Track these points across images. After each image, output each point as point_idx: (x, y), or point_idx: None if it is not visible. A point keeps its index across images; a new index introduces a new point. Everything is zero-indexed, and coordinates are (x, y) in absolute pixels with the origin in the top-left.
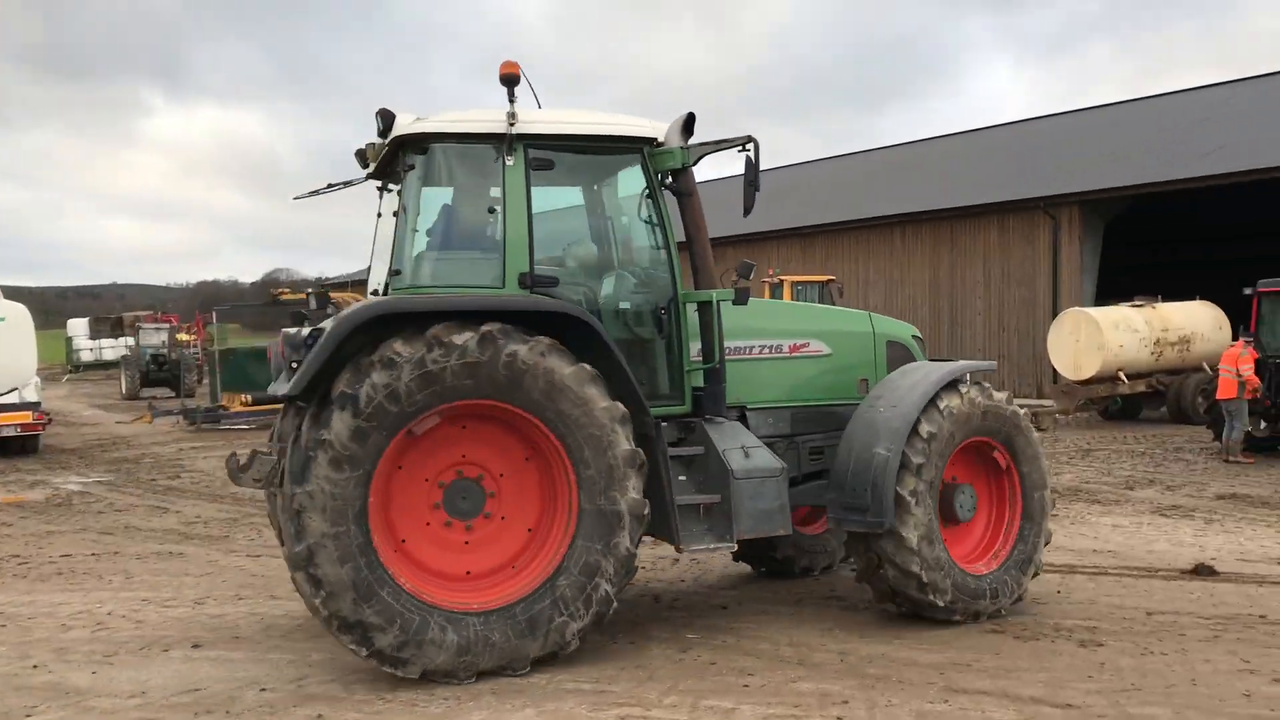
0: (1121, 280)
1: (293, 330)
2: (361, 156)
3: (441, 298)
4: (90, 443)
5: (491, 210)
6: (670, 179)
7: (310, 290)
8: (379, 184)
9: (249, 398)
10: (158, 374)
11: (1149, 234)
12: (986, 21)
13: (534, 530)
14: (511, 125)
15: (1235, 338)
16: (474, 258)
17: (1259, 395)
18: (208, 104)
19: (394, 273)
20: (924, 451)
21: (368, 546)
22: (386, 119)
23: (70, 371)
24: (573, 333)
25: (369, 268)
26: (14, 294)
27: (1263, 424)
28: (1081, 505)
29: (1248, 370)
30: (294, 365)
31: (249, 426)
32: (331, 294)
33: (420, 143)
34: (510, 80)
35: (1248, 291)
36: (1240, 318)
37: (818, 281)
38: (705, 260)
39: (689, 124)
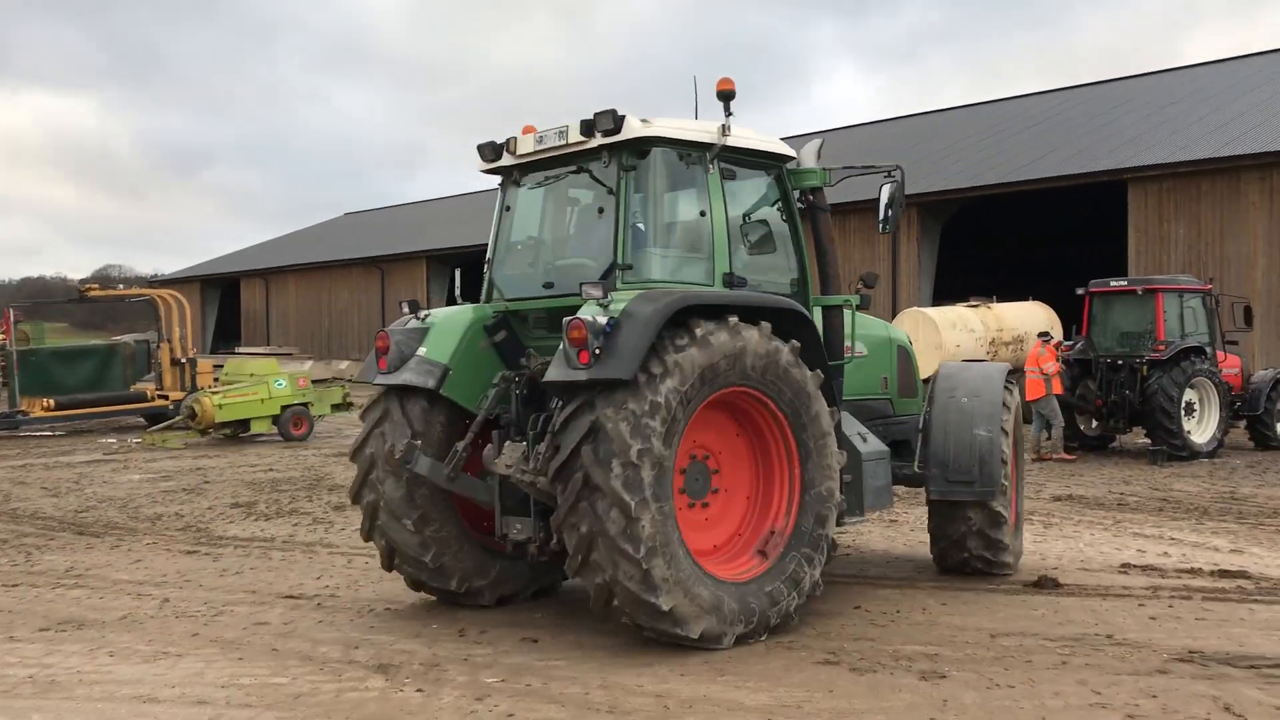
0: (958, 281)
1: (408, 322)
2: (495, 149)
3: (727, 294)
4: None
5: (701, 214)
6: (810, 196)
7: (403, 301)
8: (515, 177)
9: (51, 402)
10: None
11: (984, 236)
12: (834, 28)
13: (750, 499)
14: (724, 137)
15: (1068, 337)
16: (686, 256)
17: (1059, 391)
18: (34, 90)
19: (625, 266)
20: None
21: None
22: (616, 120)
23: None
24: (786, 328)
25: (491, 256)
26: None
27: (1094, 423)
28: (921, 511)
29: (1051, 368)
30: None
31: (53, 433)
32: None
33: (643, 145)
34: (727, 96)
35: (1080, 292)
36: (1072, 318)
37: None
38: (835, 268)
39: (820, 149)
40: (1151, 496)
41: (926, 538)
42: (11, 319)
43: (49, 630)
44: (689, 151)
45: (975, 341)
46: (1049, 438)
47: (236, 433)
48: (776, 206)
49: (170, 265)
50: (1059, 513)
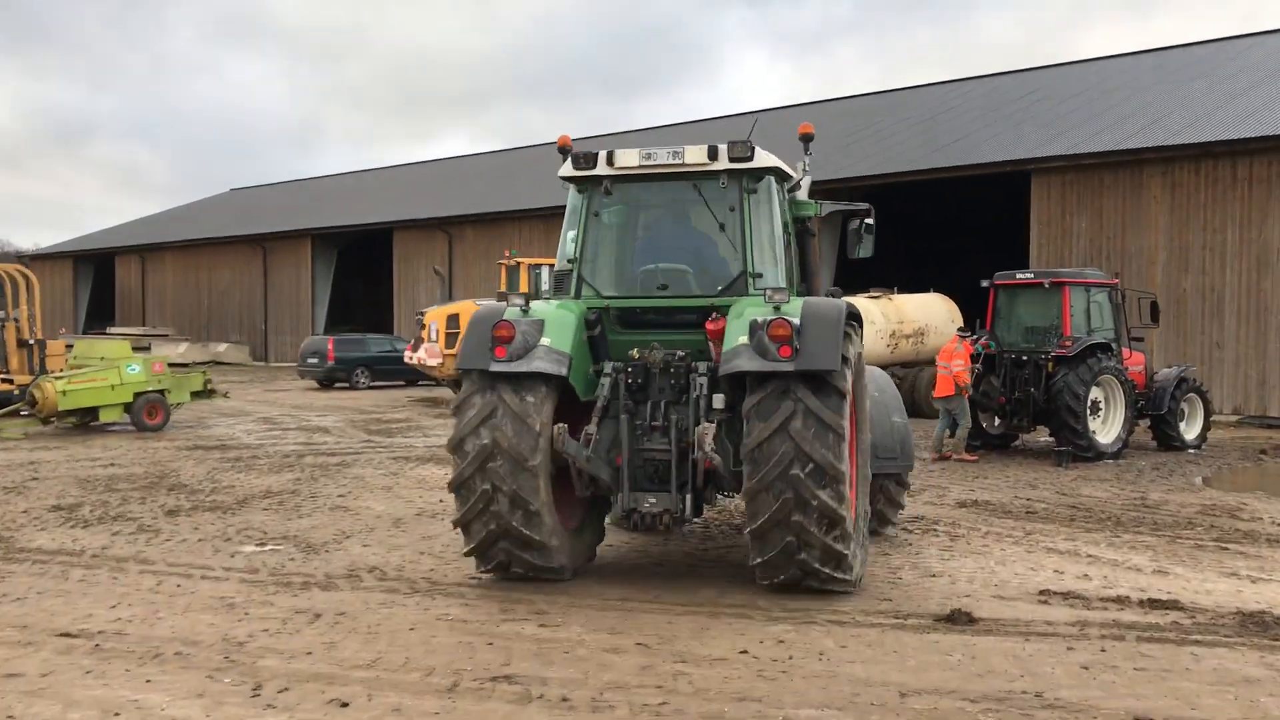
0: (855, 271)
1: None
2: (590, 159)
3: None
4: None
5: (783, 230)
6: (804, 223)
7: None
8: (605, 187)
9: None
10: None
11: (885, 226)
12: (741, 15)
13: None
14: (805, 173)
15: (971, 330)
16: (775, 267)
17: (968, 393)
18: None
19: (756, 274)
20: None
21: None
22: (749, 149)
23: None
24: None
25: (578, 256)
26: None
27: (997, 420)
28: None
29: (959, 366)
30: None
31: None
32: None
33: (763, 173)
34: (808, 138)
35: (985, 284)
36: (973, 310)
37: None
38: (818, 280)
39: (810, 183)
40: (1060, 503)
41: None
42: None
43: None
44: (783, 180)
45: (876, 334)
46: (951, 436)
47: (85, 421)
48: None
49: (51, 240)
50: (965, 521)
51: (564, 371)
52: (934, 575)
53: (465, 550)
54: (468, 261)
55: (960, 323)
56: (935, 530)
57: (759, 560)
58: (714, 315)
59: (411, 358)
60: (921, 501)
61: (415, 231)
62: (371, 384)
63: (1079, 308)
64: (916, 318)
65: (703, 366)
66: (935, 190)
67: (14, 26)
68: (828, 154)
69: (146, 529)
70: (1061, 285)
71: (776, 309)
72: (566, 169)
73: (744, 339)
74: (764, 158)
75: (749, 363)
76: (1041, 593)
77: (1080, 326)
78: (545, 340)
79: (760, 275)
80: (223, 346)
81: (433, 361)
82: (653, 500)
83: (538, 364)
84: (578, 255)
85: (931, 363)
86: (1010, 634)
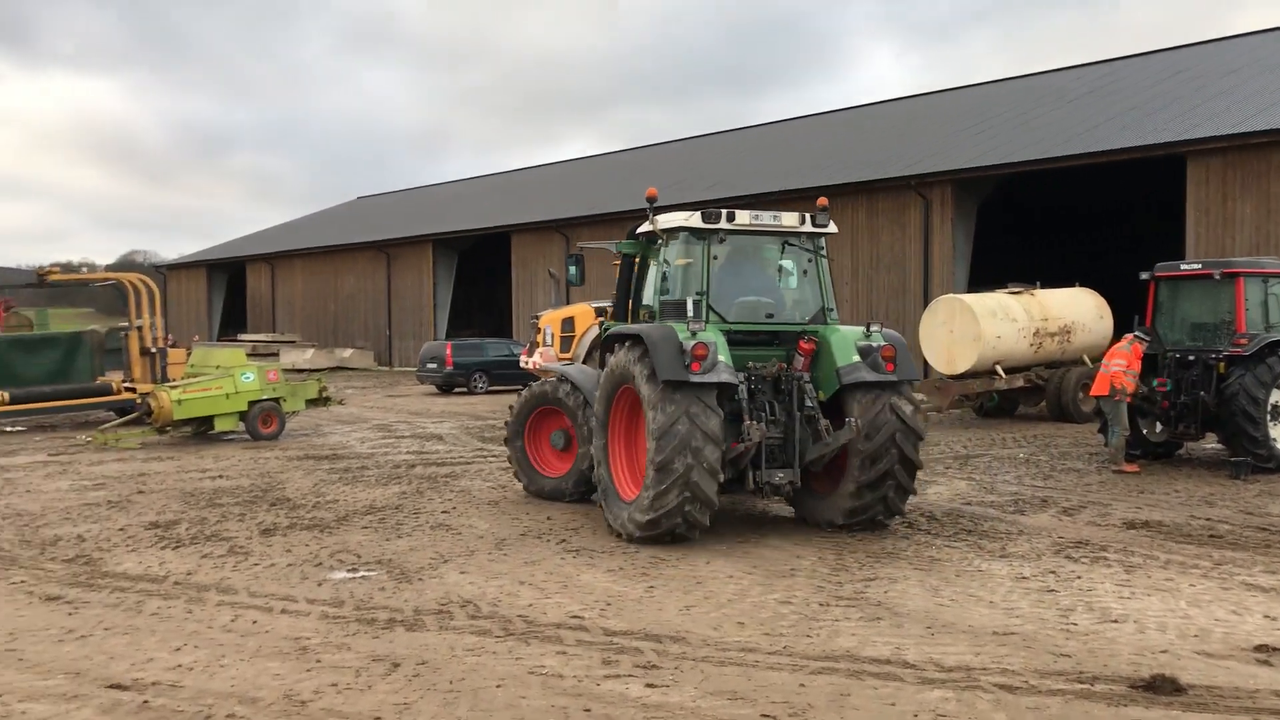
0: (993, 265)
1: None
2: (717, 216)
3: None
4: None
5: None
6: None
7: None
8: (720, 236)
9: (6, 395)
10: None
11: (1020, 217)
12: (869, 7)
13: None
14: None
15: (1127, 329)
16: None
17: (1125, 398)
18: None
19: (830, 309)
20: None
21: None
22: (826, 219)
23: None
24: None
25: (705, 290)
26: None
27: (1159, 427)
28: (966, 544)
29: (1117, 366)
30: None
31: (14, 428)
32: None
33: (827, 234)
34: (824, 209)
35: (1144, 277)
36: (1123, 306)
37: None
38: None
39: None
40: (1247, 524)
41: (975, 587)
42: (3, 305)
43: None
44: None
45: (1018, 333)
46: (1107, 444)
47: (201, 430)
48: None
49: (193, 249)
50: (1138, 547)
51: (737, 381)
52: (1115, 621)
53: (647, 519)
54: (585, 263)
55: (1109, 319)
56: (1105, 558)
57: (855, 505)
58: (806, 338)
59: (527, 362)
60: (1083, 521)
61: (532, 234)
62: (489, 389)
63: (1255, 301)
64: (1062, 314)
65: (806, 376)
66: (1079, 178)
67: (159, 44)
68: (960, 143)
69: (237, 551)
70: (1235, 276)
71: (876, 337)
72: (695, 220)
73: (857, 358)
74: (832, 226)
75: (868, 375)
76: (1258, 648)
77: (1256, 322)
78: (721, 357)
79: (832, 310)
80: (348, 352)
81: (549, 366)
82: (781, 474)
83: (724, 376)
84: (704, 288)
85: (1078, 362)
86: (1233, 710)
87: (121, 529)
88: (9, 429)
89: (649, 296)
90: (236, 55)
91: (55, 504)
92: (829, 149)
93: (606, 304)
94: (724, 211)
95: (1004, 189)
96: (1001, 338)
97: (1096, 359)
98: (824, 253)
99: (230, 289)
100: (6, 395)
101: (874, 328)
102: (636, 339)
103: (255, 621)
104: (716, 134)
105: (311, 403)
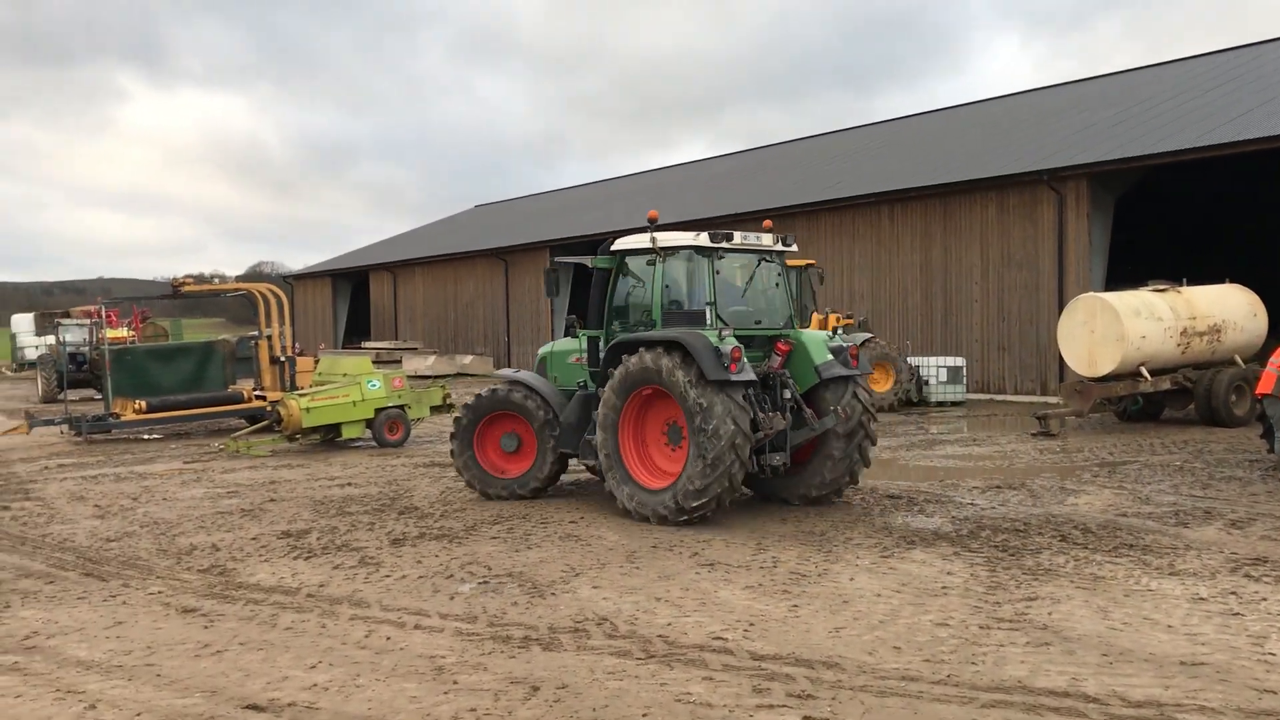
0: (1132, 262)
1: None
2: (727, 237)
3: None
4: None
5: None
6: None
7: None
8: (720, 254)
9: (143, 404)
10: (76, 374)
11: (1161, 211)
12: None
13: None
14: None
15: None
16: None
17: None
18: (188, 89)
19: (795, 316)
20: None
21: None
22: (791, 240)
23: (15, 369)
24: None
25: (713, 300)
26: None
27: None
28: (1129, 559)
29: None
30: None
31: (150, 435)
32: None
33: (787, 253)
34: (769, 230)
35: None
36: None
37: (795, 266)
38: None
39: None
40: None
41: (1146, 608)
42: (139, 317)
43: None
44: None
45: (1164, 332)
46: (1271, 450)
47: (329, 438)
48: None
49: (318, 259)
50: None
51: (756, 379)
52: None
53: (693, 505)
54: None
55: (1263, 317)
56: None
57: (832, 477)
58: (783, 340)
59: None
60: (1256, 536)
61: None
62: None
63: None
64: (1211, 312)
65: (786, 373)
66: (1225, 169)
67: (282, 59)
68: (1099, 137)
69: (368, 561)
70: None
71: (839, 339)
72: (703, 240)
73: (831, 357)
74: (794, 247)
75: (842, 370)
76: None
77: None
78: (745, 359)
79: (794, 316)
80: (468, 358)
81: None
82: (778, 457)
83: (750, 375)
84: (712, 299)
85: (1230, 363)
86: None
87: (254, 538)
88: (146, 436)
89: (625, 306)
90: (357, 68)
91: (190, 512)
92: (953, 145)
93: None
94: (724, 233)
95: (1143, 182)
96: (1146, 338)
97: (1250, 360)
98: (786, 266)
99: (354, 297)
100: (144, 403)
101: (838, 331)
102: (673, 344)
103: (389, 638)
104: (833, 133)
105: (436, 409)
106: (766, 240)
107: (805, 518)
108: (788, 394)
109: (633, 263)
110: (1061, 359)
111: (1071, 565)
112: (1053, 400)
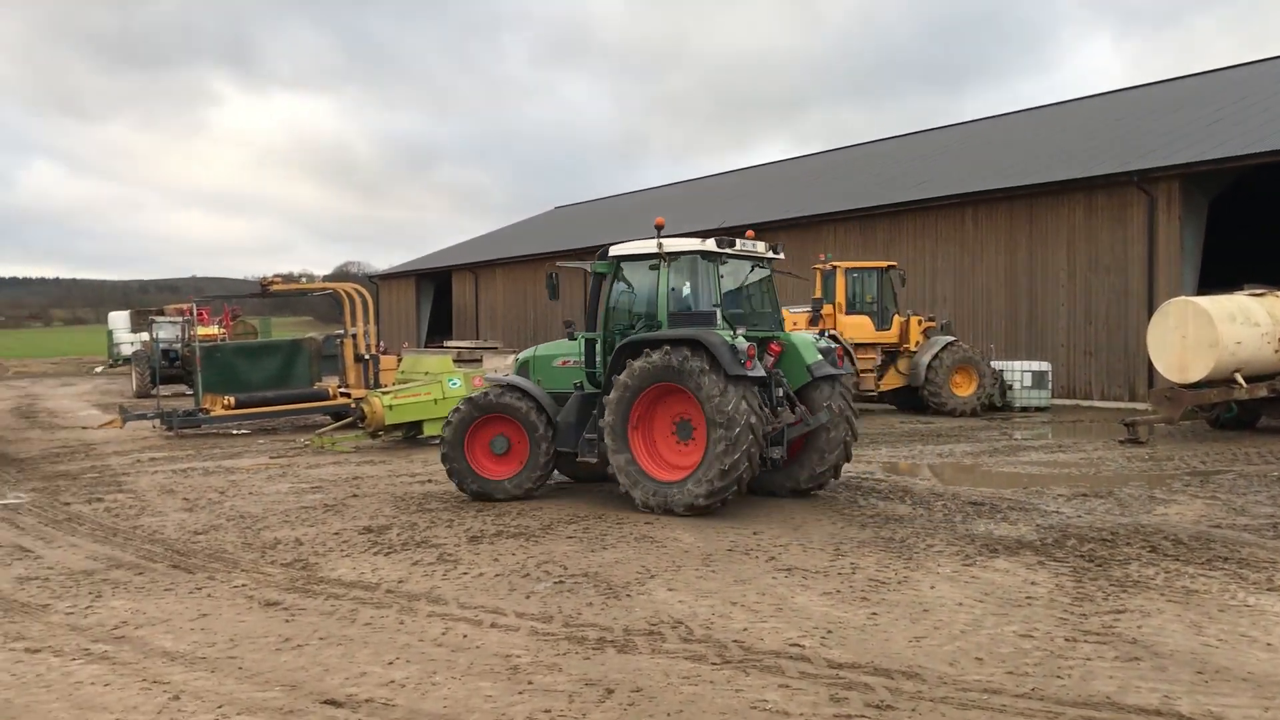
0: (1226, 266)
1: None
2: (730, 243)
3: None
4: (50, 450)
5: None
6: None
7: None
8: (724, 259)
9: (232, 400)
10: (168, 370)
11: (1258, 213)
12: None
13: None
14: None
15: None
16: None
17: None
18: (278, 92)
19: (781, 319)
20: None
21: None
22: (778, 248)
23: (111, 365)
24: None
25: (720, 301)
26: (98, 287)
27: None
28: (1224, 573)
29: None
30: None
31: (239, 431)
32: None
33: (776, 260)
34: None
35: None
36: None
37: (876, 268)
38: None
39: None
40: None
41: (1246, 625)
42: (229, 314)
43: None
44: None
45: (1260, 338)
46: None
47: (411, 435)
48: None
49: (400, 259)
50: None
51: (766, 376)
52: None
53: (713, 492)
54: (781, 267)
55: None
56: None
57: (820, 470)
58: (776, 341)
59: None
60: None
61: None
62: None
63: None
64: None
65: (780, 371)
66: None
67: (369, 62)
68: (1193, 137)
69: (446, 559)
70: None
71: (823, 341)
72: (710, 245)
73: (820, 357)
74: (782, 255)
75: (831, 369)
76: None
77: None
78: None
79: (782, 320)
80: None
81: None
82: (778, 450)
83: (762, 372)
84: (719, 302)
85: None
86: None
87: (336, 533)
88: (234, 431)
89: (623, 309)
90: (441, 70)
91: (275, 506)
92: (1040, 146)
93: (804, 309)
94: (729, 239)
95: (1239, 183)
96: (1241, 343)
97: None
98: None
99: (436, 297)
100: (232, 399)
101: (827, 333)
102: (693, 343)
103: (465, 635)
104: (916, 134)
105: None
106: (760, 247)
107: (884, 524)
108: (780, 392)
109: (631, 268)
110: (1151, 364)
111: (1162, 578)
112: (1141, 406)
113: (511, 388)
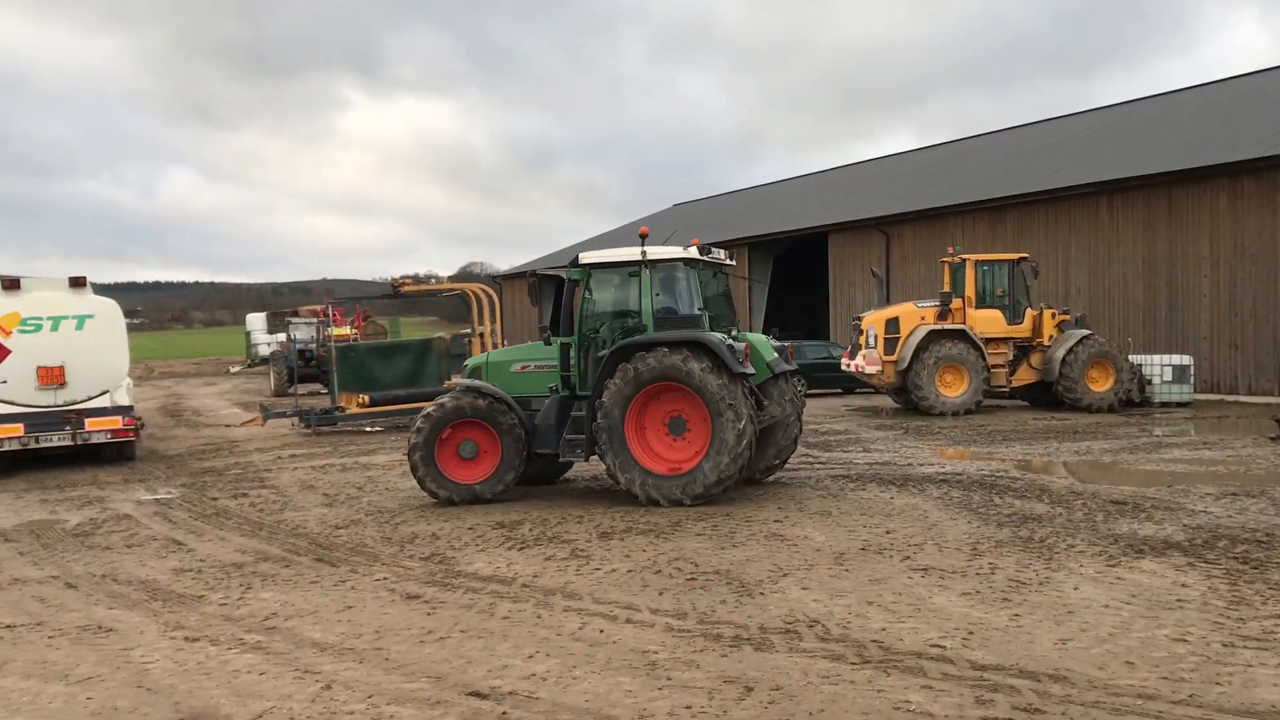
0: None
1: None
2: (707, 249)
3: None
4: (195, 447)
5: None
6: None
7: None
8: (699, 266)
9: (366, 398)
10: (304, 369)
11: None
12: None
13: None
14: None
15: None
16: None
17: None
18: (403, 97)
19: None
20: None
21: None
22: (733, 257)
23: (248, 365)
24: None
25: (704, 309)
26: (234, 289)
27: None
28: None
29: None
30: None
31: (373, 429)
32: None
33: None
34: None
35: None
36: None
37: (1007, 260)
38: None
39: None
40: None
41: None
42: (361, 315)
43: None
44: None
45: None
46: None
47: None
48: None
49: (522, 259)
50: None
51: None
52: None
53: (731, 472)
54: (906, 261)
55: None
56: None
57: (775, 462)
58: (743, 342)
59: (849, 364)
60: None
61: (851, 233)
62: (808, 392)
63: None
64: None
65: (750, 369)
66: None
67: (489, 64)
68: None
69: (579, 554)
70: None
71: (774, 340)
72: (692, 253)
73: (777, 355)
74: (732, 262)
75: (787, 366)
76: None
77: None
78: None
79: (737, 321)
80: None
81: (871, 368)
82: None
83: (752, 370)
84: (703, 307)
85: None
86: None
87: (470, 528)
88: (369, 429)
89: (599, 315)
90: (559, 70)
91: (411, 502)
92: (1179, 131)
93: (932, 304)
94: (707, 245)
95: None
96: None
97: None
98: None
99: (558, 296)
100: (367, 398)
101: (774, 332)
102: (695, 345)
103: (602, 630)
104: (1046, 121)
105: None
106: (722, 254)
107: (1022, 523)
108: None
109: (604, 275)
110: None
111: None
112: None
113: (480, 393)
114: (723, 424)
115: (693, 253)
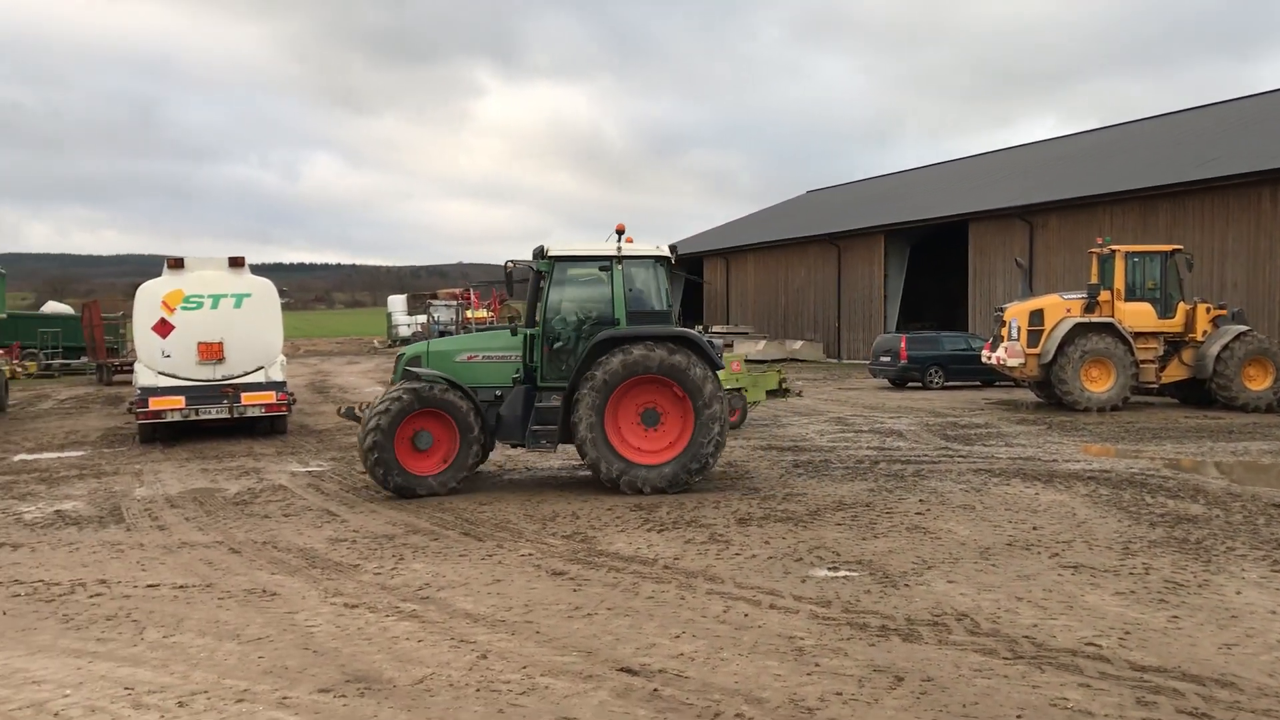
0: None
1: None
2: (674, 249)
3: None
4: (342, 423)
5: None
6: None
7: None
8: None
9: None
10: None
11: None
12: None
13: None
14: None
15: None
16: None
17: None
18: (538, 83)
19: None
20: None
21: None
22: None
23: (389, 345)
24: None
25: (673, 304)
26: (374, 272)
27: None
28: None
29: None
30: None
31: None
32: None
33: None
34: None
35: None
36: None
37: (1159, 252)
38: None
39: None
40: None
41: None
42: (498, 297)
43: (329, 692)
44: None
45: None
46: None
47: None
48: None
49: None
50: None
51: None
52: None
53: (713, 460)
54: (1050, 251)
55: None
56: None
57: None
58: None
59: (989, 357)
60: None
61: (992, 222)
62: (945, 384)
63: None
64: None
65: None
66: None
67: (620, 50)
68: None
69: (717, 539)
70: None
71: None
72: (664, 250)
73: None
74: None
75: (721, 362)
76: None
77: None
78: None
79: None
80: (798, 344)
81: (1013, 361)
82: None
83: (724, 364)
84: (672, 303)
85: None
86: None
87: (609, 508)
88: None
89: (567, 307)
90: (691, 55)
91: (550, 481)
92: None
93: (1079, 295)
94: (673, 245)
95: None
96: None
97: None
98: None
99: (688, 282)
100: None
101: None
102: (677, 339)
103: (746, 615)
104: (1204, 107)
105: (771, 394)
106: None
107: (1176, 524)
108: None
109: (574, 269)
110: None
111: None
112: None
113: (441, 383)
114: (709, 416)
115: (664, 250)
